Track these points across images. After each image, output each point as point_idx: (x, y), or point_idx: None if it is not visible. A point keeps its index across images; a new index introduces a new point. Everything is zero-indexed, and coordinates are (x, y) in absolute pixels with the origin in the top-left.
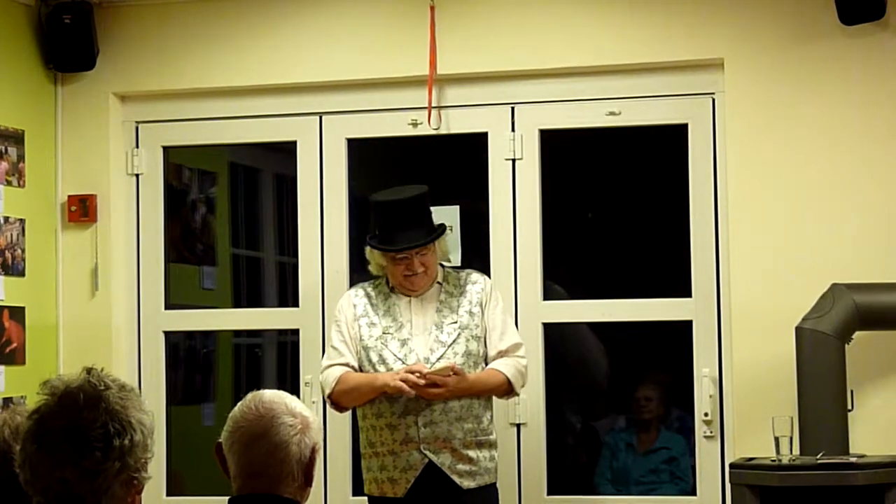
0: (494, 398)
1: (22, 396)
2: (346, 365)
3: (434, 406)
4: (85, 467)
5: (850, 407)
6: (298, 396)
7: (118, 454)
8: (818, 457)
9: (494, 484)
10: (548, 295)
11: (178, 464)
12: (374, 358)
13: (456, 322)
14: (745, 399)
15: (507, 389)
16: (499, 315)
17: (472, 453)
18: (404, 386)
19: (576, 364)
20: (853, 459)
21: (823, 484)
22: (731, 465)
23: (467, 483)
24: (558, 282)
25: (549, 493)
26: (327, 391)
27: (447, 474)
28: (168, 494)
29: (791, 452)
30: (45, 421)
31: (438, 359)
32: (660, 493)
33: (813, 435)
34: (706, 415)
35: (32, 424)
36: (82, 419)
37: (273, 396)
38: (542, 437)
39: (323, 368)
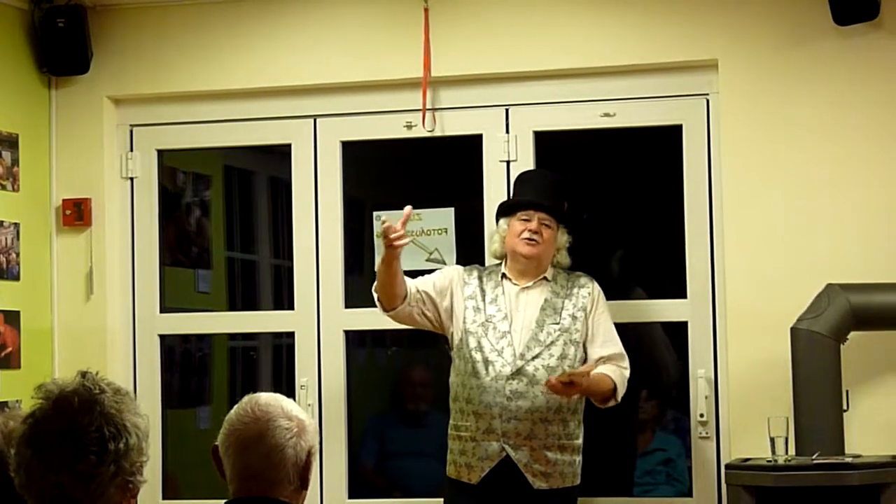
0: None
1: (17, 400)
2: (412, 288)
3: (520, 402)
4: (80, 471)
5: (845, 407)
6: (294, 399)
7: (113, 458)
8: (814, 457)
9: (571, 488)
10: (632, 296)
11: (174, 467)
12: (473, 344)
13: (558, 324)
14: (740, 400)
15: (609, 396)
16: (603, 321)
17: (551, 455)
18: (387, 227)
19: (647, 363)
20: (849, 460)
21: (819, 484)
22: (727, 466)
23: (539, 484)
24: None
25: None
26: (375, 294)
27: (522, 471)
28: (164, 498)
29: (787, 453)
30: (40, 425)
31: (534, 357)
32: (656, 495)
33: (808, 435)
34: (702, 416)
35: (27, 428)
36: (77, 423)
37: (269, 399)
38: None
39: None
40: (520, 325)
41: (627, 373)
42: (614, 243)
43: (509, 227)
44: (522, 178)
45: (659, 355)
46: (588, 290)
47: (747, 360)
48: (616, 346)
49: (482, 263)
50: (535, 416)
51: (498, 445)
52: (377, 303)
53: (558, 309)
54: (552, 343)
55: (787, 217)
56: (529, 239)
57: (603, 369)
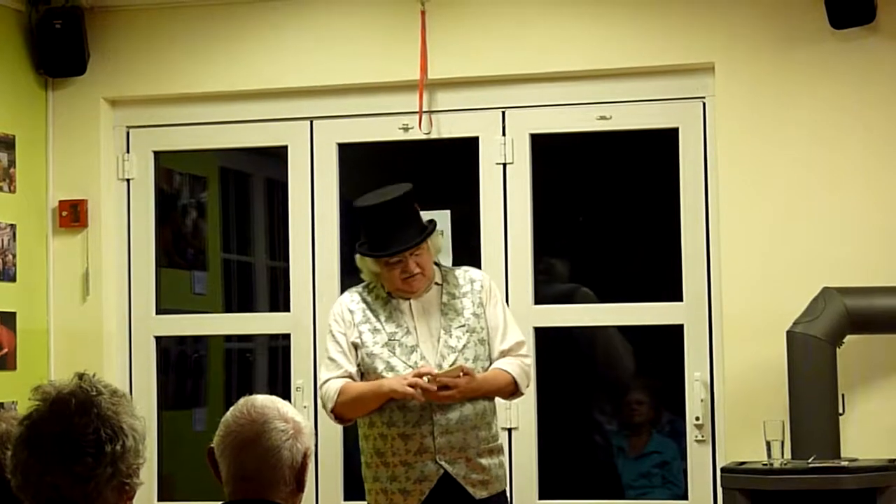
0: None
1: (13, 402)
2: (346, 375)
3: (450, 415)
4: (76, 473)
5: (841, 411)
6: (290, 401)
7: (110, 460)
8: (809, 461)
9: (504, 491)
10: (577, 298)
11: (170, 469)
12: (381, 366)
13: (464, 325)
14: (736, 403)
15: (512, 390)
16: (500, 313)
17: (484, 461)
18: (413, 391)
19: (603, 364)
20: (844, 463)
21: (815, 488)
22: (723, 470)
23: (480, 493)
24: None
25: (541, 497)
26: (329, 405)
27: (461, 484)
28: (159, 500)
29: (782, 456)
30: (37, 427)
31: (451, 365)
32: (651, 498)
33: (804, 439)
34: (697, 419)
35: (24, 430)
36: (74, 425)
37: (265, 401)
38: (534, 442)
39: (321, 383)
40: (426, 335)
41: (529, 360)
42: (609, 246)
43: (382, 272)
44: (366, 214)
45: (613, 350)
46: (480, 284)
47: (743, 364)
48: (514, 335)
49: (478, 265)
50: (467, 426)
51: (434, 464)
52: (335, 420)
53: (459, 309)
54: (465, 347)
55: (784, 220)
56: (409, 277)
57: (500, 364)
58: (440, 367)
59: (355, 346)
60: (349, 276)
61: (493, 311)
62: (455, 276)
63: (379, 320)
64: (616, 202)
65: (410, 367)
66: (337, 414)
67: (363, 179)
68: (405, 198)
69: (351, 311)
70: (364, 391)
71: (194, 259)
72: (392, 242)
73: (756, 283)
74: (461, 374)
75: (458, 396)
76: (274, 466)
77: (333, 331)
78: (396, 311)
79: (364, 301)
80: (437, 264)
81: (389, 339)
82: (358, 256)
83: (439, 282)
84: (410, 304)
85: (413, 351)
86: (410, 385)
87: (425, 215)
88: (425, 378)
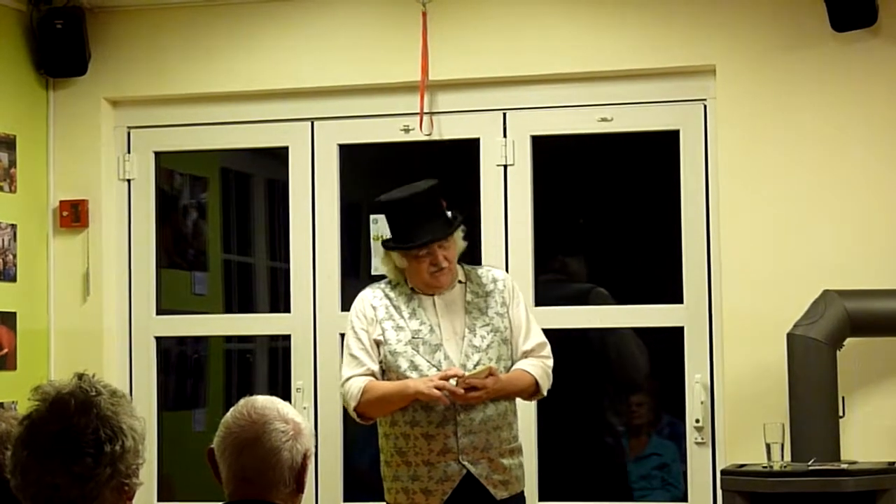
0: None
1: (13, 402)
2: (369, 374)
3: (473, 415)
4: (76, 473)
5: (841, 413)
6: (290, 402)
7: (109, 460)
8: (809, 463)
9: (522, 492)
10: (592, 298)
11: (169, 469)
12: (404, 365)
13: (488, 325)
14: (736, 405)
15: (534, 391)
16: (522, 314)
17: (505, 462)
18: (440, 394)
19: (616, 363)
20: (844, 466)
21: (815, 490)
22: (723, 472)
23: (501, 493)
24: (555, 288)
25: (541, 498)
26: (353, 404)
27: (483, 485)
28: (159, 500)
29: (782, 459)
30: (37, 426)
31: (475, 365)
32: (651, 500)
33: (804, 441)
34: (697, 421)
35: (24, 430)
36: (74, 425)
37: (265, 402)
38: (535, 442)
39: (343, 380)
40: (450, 332)
41: (550, 362)
42: (610, 248)
43: (409, 265)
44: (392, 207)
45: (627, 350)
46: (503, 284)
47: (743, 366)
48: (536, 336)
49: (479, 263)
50: (489, 426)
51: (457, 464)
52: (358, 418)
53: (483, 309)
54: (489, 346)
55: (784, 222)
56: (438, 270)
57: (523, 365)
58: (464, 366)
59: (378, 344)
60: (349, 278)
61: (517, 311)
62: (478, 275)
63: (402, 317)
64: (617, 204)
65: (434, 365)
66: (360, 413)
67: (364, 181)
68: (431, 191)
69: (374, 308)
70: (389, 391)
71: (195, 259)
72: (421, 234)
73: (756, 285)
74: (489, 374)
75: (484, 397)
76: (274, 467)
77: (355, 327)
78: (420, 308)
79: (387, 297)
80: (460, 263)
81: (413, 337)
82: (383, 253)
83: (462, 280)
84: (434, 302)
85: (437, 349)
86: (437, 388)
87: None
88: (452, 380)
